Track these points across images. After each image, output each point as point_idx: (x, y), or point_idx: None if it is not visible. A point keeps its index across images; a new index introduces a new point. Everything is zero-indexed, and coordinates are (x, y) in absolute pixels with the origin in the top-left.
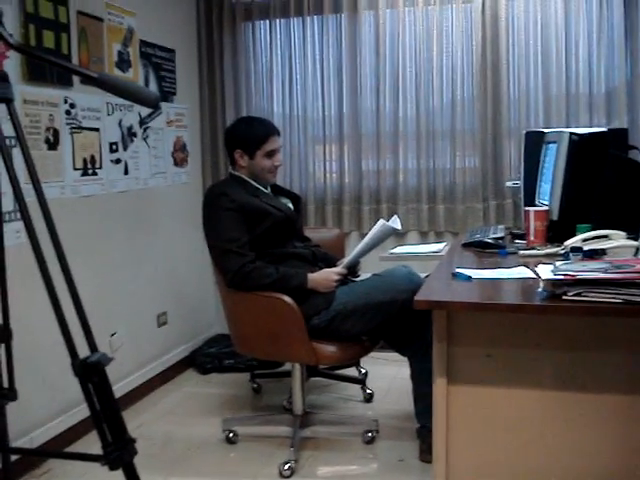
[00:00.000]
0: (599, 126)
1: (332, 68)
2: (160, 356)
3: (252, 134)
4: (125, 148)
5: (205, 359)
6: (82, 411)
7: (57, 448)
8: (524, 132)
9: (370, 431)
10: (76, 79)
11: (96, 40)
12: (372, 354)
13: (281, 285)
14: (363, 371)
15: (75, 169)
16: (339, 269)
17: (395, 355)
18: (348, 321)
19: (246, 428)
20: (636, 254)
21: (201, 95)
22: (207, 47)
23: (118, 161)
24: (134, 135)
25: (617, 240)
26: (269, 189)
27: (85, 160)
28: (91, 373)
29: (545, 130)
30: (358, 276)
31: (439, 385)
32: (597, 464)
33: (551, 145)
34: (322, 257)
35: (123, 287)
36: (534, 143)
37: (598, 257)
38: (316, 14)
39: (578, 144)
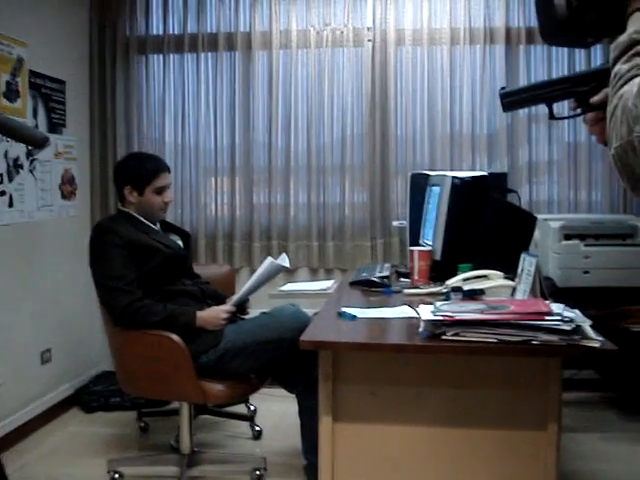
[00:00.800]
0: (481, 167)
1: (225, 103)
2: (44, 394)
3: (142, 170)
4: (10, 180)
5: (90, 397)
6: None
7: None
8: (410, 174)
9: (258, 469)
10: None
11: None
12: (261, 391)
13: (169, 323)
14: (252, 408)
15: None
16: (227, 307)
17: (284, 392)
18: (236, 359)
19: (132, 468)
20: (513, 294)
21: (91, 127)
22: (99, 79)
23: (2, 193)
24: (20, 167)
25: (495, 280)
26: (158, 225)
27: None
28: None
29: (429, 173)
30: (247, 314)
31: (325, 423)
32: None
33: (435, 188)
34: (211, 294)
35: (5, 323)
36: (419, 185)
37: (477, 296)
38: (210, 51)
39: (460, 187)
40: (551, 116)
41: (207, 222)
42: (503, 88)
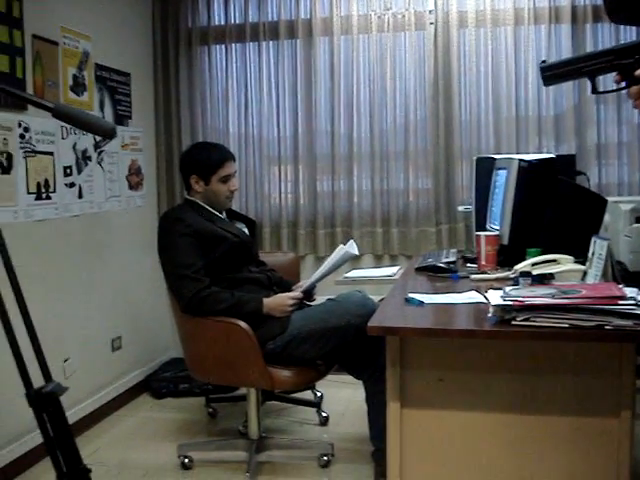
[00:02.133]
0: (548, 149)
1: (287, 91)
2: (114, 381)
3: (207, 160)
4: (79, 172)
5: (160, 384)
6: (32, 439)
7: (8, 478)
8: (475, 158)
9: (326, 455)
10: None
11: (51, 64)
12: (327, 377)
13: (236, 310)
14: (319, 394)
15: (29, 193)
16: (294, 294)
17: (350, 378)
18: (303, 346)
19: (201, 453)
20: (583, 278)
21: (156, 118)
22: (163, 71)
23: (72, 185)
24: (88, 159)
25: (565, 264)
26: (224, 214)
27: (39, 184)
28: (45, 403)
29: (495, 156)
30: (313, 300)
31: (392, 409)
32: None
33: (501, 171)
34: (277, 281)
35: (77, 312)
36: (485, 169)
37: (547, 281)
38: (272, 39)
39: (527, 170)
40: (594, 90)
41: (271, 210)
42: (544, 61)
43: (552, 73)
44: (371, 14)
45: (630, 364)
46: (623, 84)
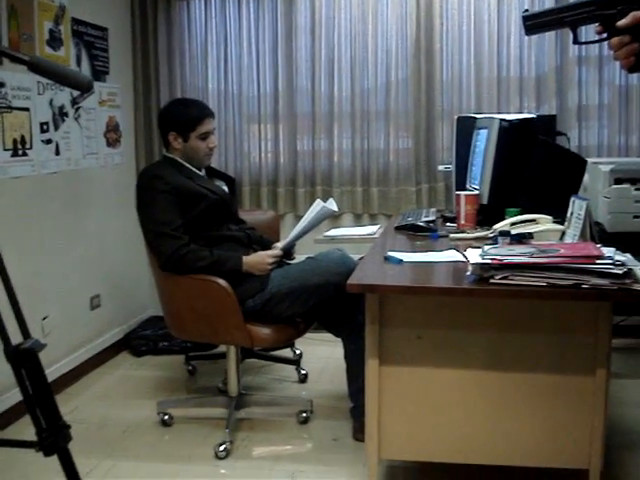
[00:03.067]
0: (529, 110)
1: (268, 48)
2: (93, 339)
3: (186, 116)
4: (56, 128)
5: (139, 342)
6: (13, 396)
7: None
8: (456, 117)
9: (304, 411)
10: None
11: (27, 18)
12: (306, 335)
13: (216, 268)
14: (298, 352)
15: (5, 150)
16: (274, 252)
17: (329, 336)
18: (283, 303)
19: (181, 410)
20: (561, 238)
21: (134, 74)
22: (141, 26)
23: (49, 141)
24: (65, 115)
25: (544, 224)
26: (203, 171)
27: (15, 140)
28: (24, 360)
29: (476, 116)
30: (293, 259)
31: (371, 366)
32: (524, 441)
33: (482, 130)
34: (257, 240)
35: (55, 270)
36: (465, 128)
37: (525, 241)
38: None
39: (508, 130)
40: (575, 40)
41: (251, 169)
42: (526, 10)
43: (534, 22)
44: None
45: (606, 323)
46: (604, 35)
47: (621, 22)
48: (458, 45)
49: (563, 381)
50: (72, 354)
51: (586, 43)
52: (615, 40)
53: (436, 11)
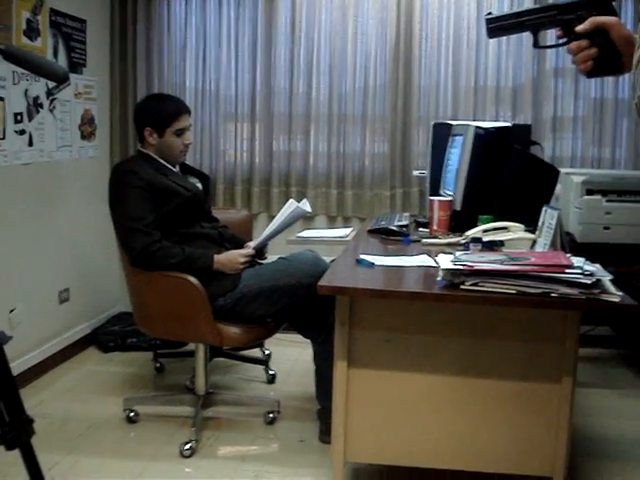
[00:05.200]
0: (504, 119)
1: (247, 47)
2: (61, 333)
3: (162, 112)
4: (30, 119)
5: (107, 337)
6: None
7: None
8: (432, 123)
9: (272, 412)
10: None
11: (4, 7)
12: (276, 335)
13: (187, 265)
14: (267, 352)
15: None
16: (246, 251)
17: (299, 337)
18: (253, 303)
19: (147, 407)
20: (532, 247)
21: (112, 68)
22: (120, 19)
23: (22, 132)
24: (40, 106)
25: (515, 232)
26: (178, 168)
27: None
28: None
29: (452, 122)
30: (265, 258)
31: (339, 368)
32: (489, 447)
33: (457, 137)
34: (229, 238)
35: (24, 262)
36: (441, 134)
37: (497, 248)
38: None
39: (483, 138)
40: (535, 44)
41: (226, 167)
42: (489, 13)
43: (496, 25)
44: None
45: (574, 332)
46: (564, 40)
47: (580, 27)
48: (437, 52)
49: (530, 388)
50: (39, 348)
51: (546, 47)
52: (573, 45)
53: (416, 18)
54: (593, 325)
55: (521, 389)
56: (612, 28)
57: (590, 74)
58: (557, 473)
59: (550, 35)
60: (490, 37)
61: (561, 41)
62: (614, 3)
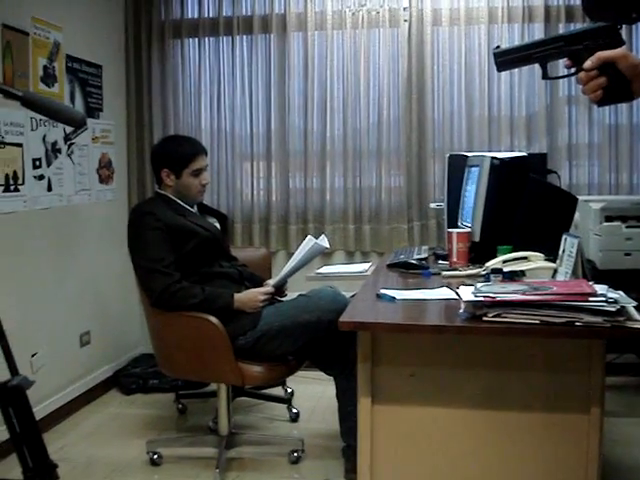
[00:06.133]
0: (519, 149)
1: (261, 87)
2: (83, 376)
3: (179, 153)
4: (49, 164)
5: (129, 379)
6: (0, 434)
7: None
8: (447, 155)
9: (296, 451)
10: None
11: (21, 54)
12: (298, 373)
13: (207, 305)
14: (289, 390)
15: None
16: (266, 289)
17: (321, 374)
18: (274, 341)
19: (171, 449)
20: (553, 276)
21: (128, 112)
22: (135, 63)
23: (41, 177)
24: (58, 151)
25: (536, 262)
26: (196, 208)
27: (7, 176)
28: (12, 397)
29: (467, 154)
30: (285, 296)
31: (363, 404)
32: None
33: (473, 168)
34: (249, 277)
35: (45, 306)
36: (457, 166)
37: (518, 278)
38: (245, 34)
39: (499, 168)
40: (544, 76)
41: (243, 206)
42: (498, 47)
43: (505, 59)
44: (345, 10)
45: (599, 361)
46: (572, 70)
47: (587, 64)
48: (449, 84)
49: (557, 420)
50: (61, 391)
51: (556, 78)
52: (582, 74)
53: (427, 51)
54: (618, 353)
55: (549, 421)
56: (619, 60)
57: (600, 103)
58: None
59: (560, 65)
60: (499, 71)
61: (570, 71)
62: (621, 30)
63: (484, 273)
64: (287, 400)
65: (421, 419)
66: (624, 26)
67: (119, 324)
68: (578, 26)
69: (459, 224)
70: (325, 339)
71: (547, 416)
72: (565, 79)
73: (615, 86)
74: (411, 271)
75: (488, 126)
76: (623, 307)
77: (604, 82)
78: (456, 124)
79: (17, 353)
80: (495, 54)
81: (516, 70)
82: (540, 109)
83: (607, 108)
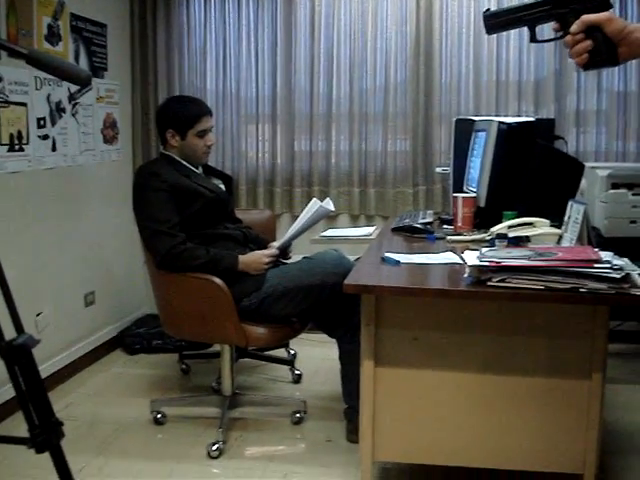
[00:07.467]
0: (527, 114)
1: (267, 48)
2: (87, 336)
3: (184, 114)
4: (53, 124)
5: (133, 339)
6: (6, 392)
7: None
8: (454, 119)
9: (298, 412)
10: (3, 52)
11: (25, 13)
12: (301, 335)
13: (212, 267)
14: (292, 352)
15: (1, 144)
16: (270, 251)
17: (324, 337)
18: (278, 303)
19: (174, 409)
20: (559, 242)
21: (133, 71)
22: (140, 23)
23: (46, 137)
24: (63, 111)
25: (541, 228)
26: (200, 169)
27: (12, 135)
28: (17, 355)
29: (475, 118)
30: (289, 258)
31: (366, 367)
32: (519, 445)
33: (480, 133)
34: (253, 239)
35: (50, 266)
36: (464, 130)
37: (523, 244)
38: None
39: (506, 133)
40: (532, 39)
41: (248, 169)
42: (487, 10)
43: (494, 22)
44: None
45: (603, 327)
46: (560, 34)
47: (572, 28)
48: (457, 48)
49: (559, 384)
50: (66, 351)
51: (543, 41)
52: (568, 38)
53: (436, 13)
54: (620, 320)
55: (550, 386)
56: (604, 24)
57: (586, 67)
58: (588, 470)
59: (547, 29)
60: (488, 33)
61: (558, 35)
62: None
63: (489, 238)
64: (290, 362)
65: (423, 382)
66: None
67: (123, 284)
68: None
69: (465, 189)
70: (329, 302)
71: (549, 381)
72: None
73: (601, 49)
74: (416, 235)
75: (496, 90)
76: (628, 274)
77: (589, 46)
78: (463, 88)
79: (22, 313)
80: (485, 17)
81: (525, 34)
82: (549, 74)
83: (616, 75)
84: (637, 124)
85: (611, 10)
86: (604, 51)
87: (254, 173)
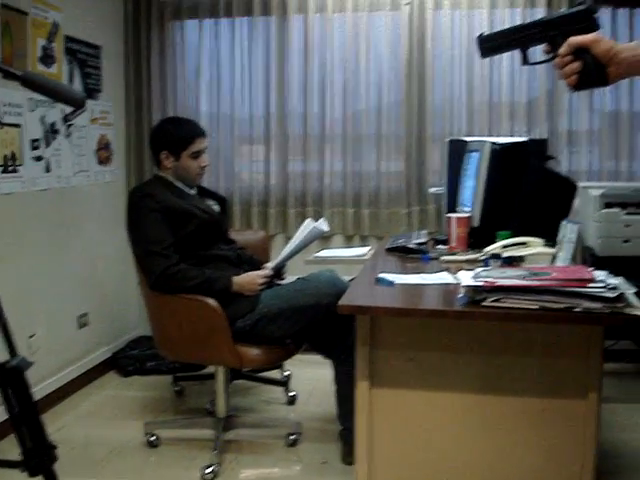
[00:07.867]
0: (520, 134)
1: (260, 69)
2: (81, 358)
3: (178, 135)
4: (47, 145)
5: (127, 361)
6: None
7: None
8: (447, 140)
9: (293, 434)
10: None
11: (20, 34)
12: (296, 356)
13: (206, 288)
14: (286, 373)
15: None
16: (264, 272)
17: (319, 358)
18: (273, 324)
19: (168, 431)
20: (553, 261)
21: (127, 93)
22: (134, 45)
23: (40, 158)
24: (57, 132)
25: (535, 247)
26: (195, 190)
27: (5, 157)
28: (10, 377)
29: (467, 139)
30: (284, 279)
31: (361, 388)
32: (515, 466)
33: (473, 153)
34: (247, 260)
35: (43, 288)
36: (457, 151)
37: (517, 264)
38: (245, 16)
39: (499, 153)
40: (524, 61)
41: (242, 190)
42: (482, 34)
43: (488, 45)
44: None
45: (598, 347)
46: (550, 56)
47: (561, 50)
48: (450, 70)
49: (556, 405)
50: (59, 373)
51: (535, 64)
52: (557, 60)
53: (428, 35)
54: (615, 339)
55: (546, 406)
56: (592, 45)
57: (577, 87)
58: None
59: (539, 50)
60: (483, 57)
61: (549, 56)
62: (596, 15)
63: (483, 258)
64: (284, 383)
65: (419, 403)
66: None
67: (117, 306)
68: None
69: (458, 209)
70: (323, 323)
71: (545, 401)
72: None
73: (590, 70)
74: (410, 255)
75: (488, 111)
76: (622, 293)
77: (578, 67)
78: (456, 109)
79: (15, 334)
80: (480, 40)
81: (517, 55)
82: (540, 95)
83: (608, 95)
84: (628, 143)
85: (600, 31)
86: (593, 72)
87: (248, 194)
